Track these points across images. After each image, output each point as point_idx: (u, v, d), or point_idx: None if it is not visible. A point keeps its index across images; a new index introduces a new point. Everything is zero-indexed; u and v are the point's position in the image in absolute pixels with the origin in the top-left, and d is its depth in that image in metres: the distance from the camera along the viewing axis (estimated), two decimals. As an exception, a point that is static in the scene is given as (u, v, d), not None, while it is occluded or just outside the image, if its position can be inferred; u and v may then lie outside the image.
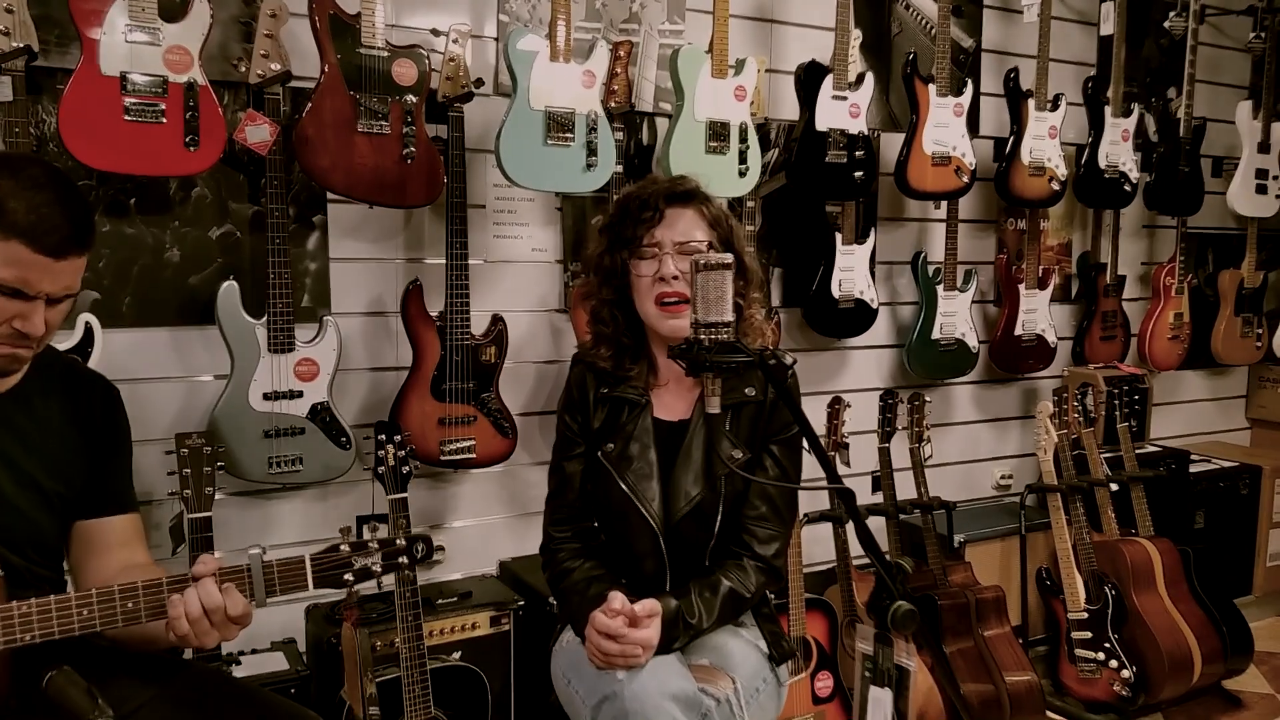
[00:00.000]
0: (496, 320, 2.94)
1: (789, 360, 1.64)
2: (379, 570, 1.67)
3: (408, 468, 2.42)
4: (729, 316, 1.59)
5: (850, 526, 2.96)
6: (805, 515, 2.96)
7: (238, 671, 2.56)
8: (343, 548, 1.67)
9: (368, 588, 1.74)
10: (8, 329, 1.65)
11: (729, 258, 1.60)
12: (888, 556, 3.06)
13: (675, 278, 2.06)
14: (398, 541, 1.70)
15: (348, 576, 1.67)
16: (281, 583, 1.63)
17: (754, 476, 2.11)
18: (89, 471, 1.83)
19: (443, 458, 2.86)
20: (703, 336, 1.57)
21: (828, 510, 3.07)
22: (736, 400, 2.11)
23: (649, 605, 1.93)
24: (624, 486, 2.11)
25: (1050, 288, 3.87)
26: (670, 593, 2.05)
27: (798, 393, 2.29)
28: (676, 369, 2.10)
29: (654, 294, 2.07)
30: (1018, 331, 3.80)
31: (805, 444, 2.00)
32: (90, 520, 1.84)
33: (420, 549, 1.72)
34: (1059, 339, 3.95)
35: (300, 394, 2.69)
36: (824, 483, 1.66)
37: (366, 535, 1.68)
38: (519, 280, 3.15)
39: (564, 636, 2.15)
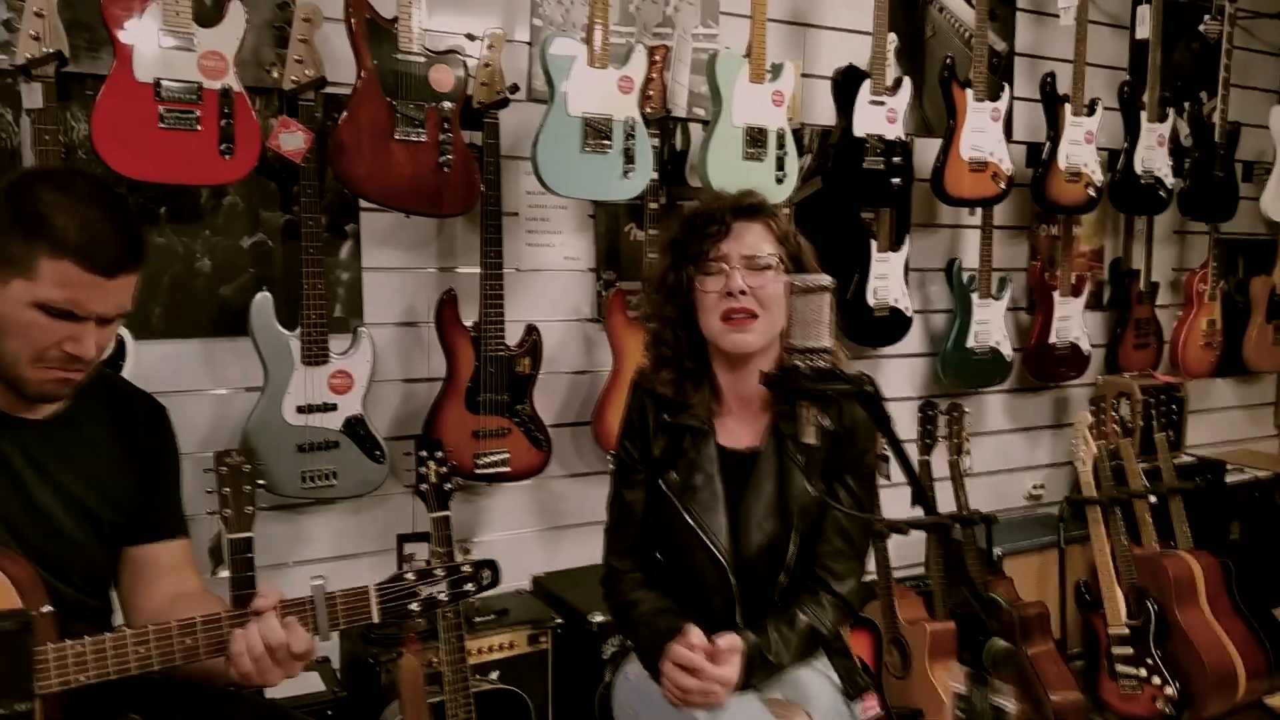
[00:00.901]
0: (531, 330, 2.88)
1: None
2: (445, 599, 1.60)
3: (449, 485, 2.36)
4: (827, 342, 1.51)
5: (896, 543, 2.91)
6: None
7: (270, 693, 2.50)
8: (408, 575, 1.59)
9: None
10: (58, 352, 1.56)
11: (827, 279, 1.52)
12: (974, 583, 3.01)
13: (743, 293, 1.98)
14: (463, 568, 1.63)
15: (413, 607, 1.59)
16: (345, 615, 1.56)
17: (839, 508, 2.03)
18: (139, 496, 1.76)
19: (477, 471, 2.80)
20: (799, 363, 1.49)
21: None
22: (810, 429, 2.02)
23: (730, 640, 1.86)
24: (689, 519, 2.02)
25: (1084, 295, 3.82)
26: (748, 628, 1.98)
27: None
28: (741, 395, 2.04)
29: (720, 309, 1.98)
30: (1051, 339, 3.75)
31: (893, 472, 1.90)
32: (140, 546, 1.76)
33: (486, 577, 1.64)
34: (1092, 346, 3.89)
35: (334, 407, 2.63)
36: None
37: (431, 562, 1.61)
38: (552, 289, 3.09)
39: (629, 669, 2.07)
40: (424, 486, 2.35)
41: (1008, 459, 4.00)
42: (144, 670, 1.47)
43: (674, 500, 2.03)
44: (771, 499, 2.01)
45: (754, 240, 2.00)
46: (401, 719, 2.19)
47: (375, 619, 1.58)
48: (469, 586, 1.64)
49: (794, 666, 1.99)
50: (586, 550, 3.01)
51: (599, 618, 2.70)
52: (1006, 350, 3.63)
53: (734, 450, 2.05)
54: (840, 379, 1.47)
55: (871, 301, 3.34)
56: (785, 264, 2.02)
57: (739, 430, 2.07)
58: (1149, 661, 3.27)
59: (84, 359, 1.58)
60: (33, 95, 2.29)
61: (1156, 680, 3.25)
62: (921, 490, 1.53)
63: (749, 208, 2.04)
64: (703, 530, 2.01)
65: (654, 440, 2.08)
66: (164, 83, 2.31)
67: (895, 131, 3.21)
